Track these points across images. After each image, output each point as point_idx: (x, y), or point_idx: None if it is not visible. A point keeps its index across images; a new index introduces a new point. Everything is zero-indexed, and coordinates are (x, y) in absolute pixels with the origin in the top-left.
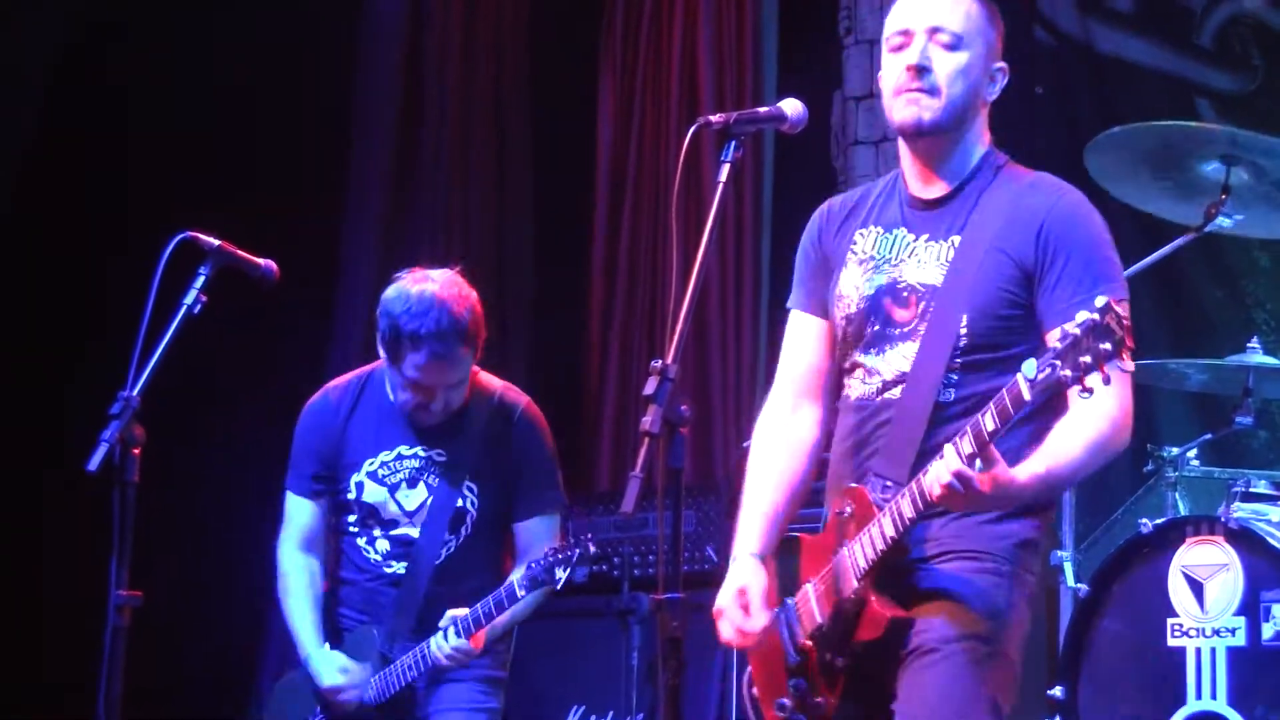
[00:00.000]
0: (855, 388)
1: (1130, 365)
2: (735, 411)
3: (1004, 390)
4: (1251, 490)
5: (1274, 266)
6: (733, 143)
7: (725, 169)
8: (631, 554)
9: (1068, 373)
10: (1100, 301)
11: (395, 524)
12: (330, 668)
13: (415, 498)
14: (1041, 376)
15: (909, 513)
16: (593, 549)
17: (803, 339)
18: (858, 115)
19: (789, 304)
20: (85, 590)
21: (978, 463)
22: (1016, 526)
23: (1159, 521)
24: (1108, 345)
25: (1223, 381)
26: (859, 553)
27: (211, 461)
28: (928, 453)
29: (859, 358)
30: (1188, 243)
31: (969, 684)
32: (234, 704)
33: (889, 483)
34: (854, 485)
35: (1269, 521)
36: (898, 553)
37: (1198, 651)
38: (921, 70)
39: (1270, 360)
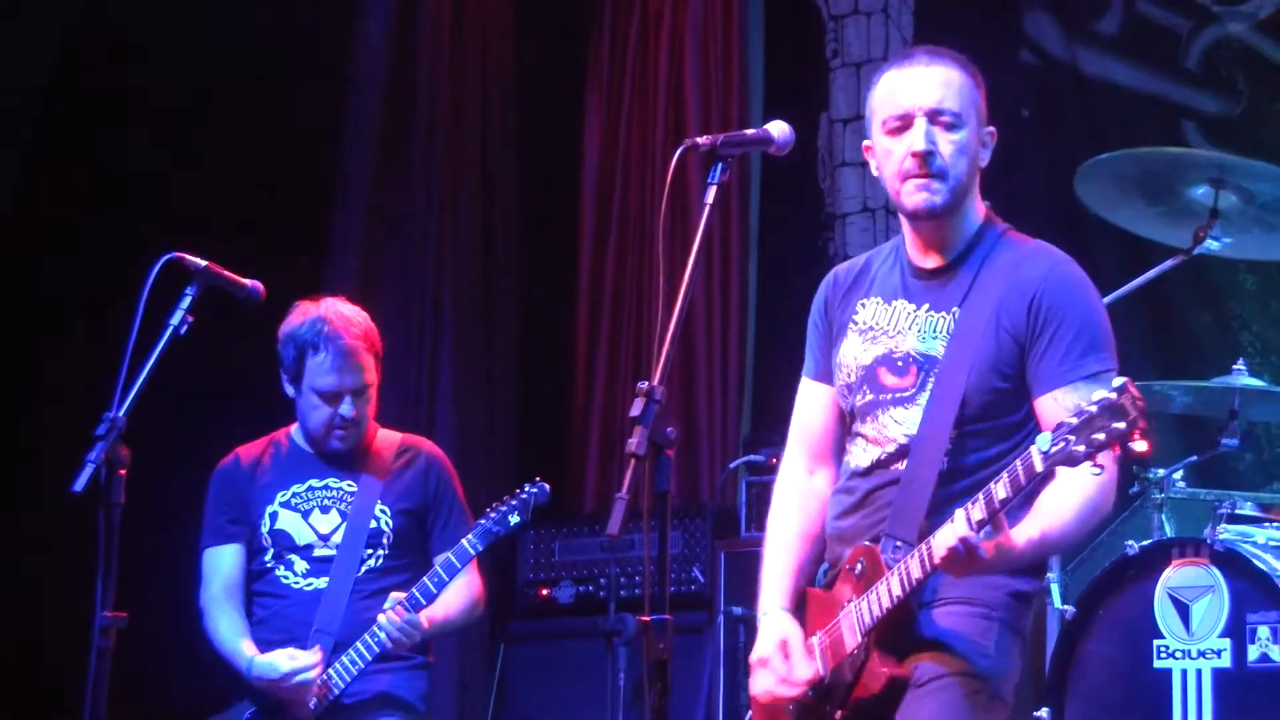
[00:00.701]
0: (856, 455)
1: (1143, 446)
2: (721, 434)
3: (1017, 461)
4: (1237, 512)
5: (1260, 289)
6: (719, 165)
7: (712, 191)
8: (618, 575)
9: (1081, 448)
10: (1118, 381)
11: (311, 548)
12: (280, 659)
13: (329, 522)
14: (1055, 450)
15: (916, 574)
16: (547, 487)
17: (812, 405)
18: (844, 138)
19: (803, 371)
20: (70, 612)
21: (985, 529)
22: (1008, 579)
23: (1145, 543)
24: (1122, 425)
25: (1209, 403)
26: (865, 609)
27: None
28: (933, 516)
29: (858, 427)
30: (1175, 265)
31: (964, 715)
32: None
33: (899, 543)
34: (867, 544)
35: (1254, 543)
36: (904, 611)
37: (1183, 673)
38: (929, 156)
39: (1256, 382)
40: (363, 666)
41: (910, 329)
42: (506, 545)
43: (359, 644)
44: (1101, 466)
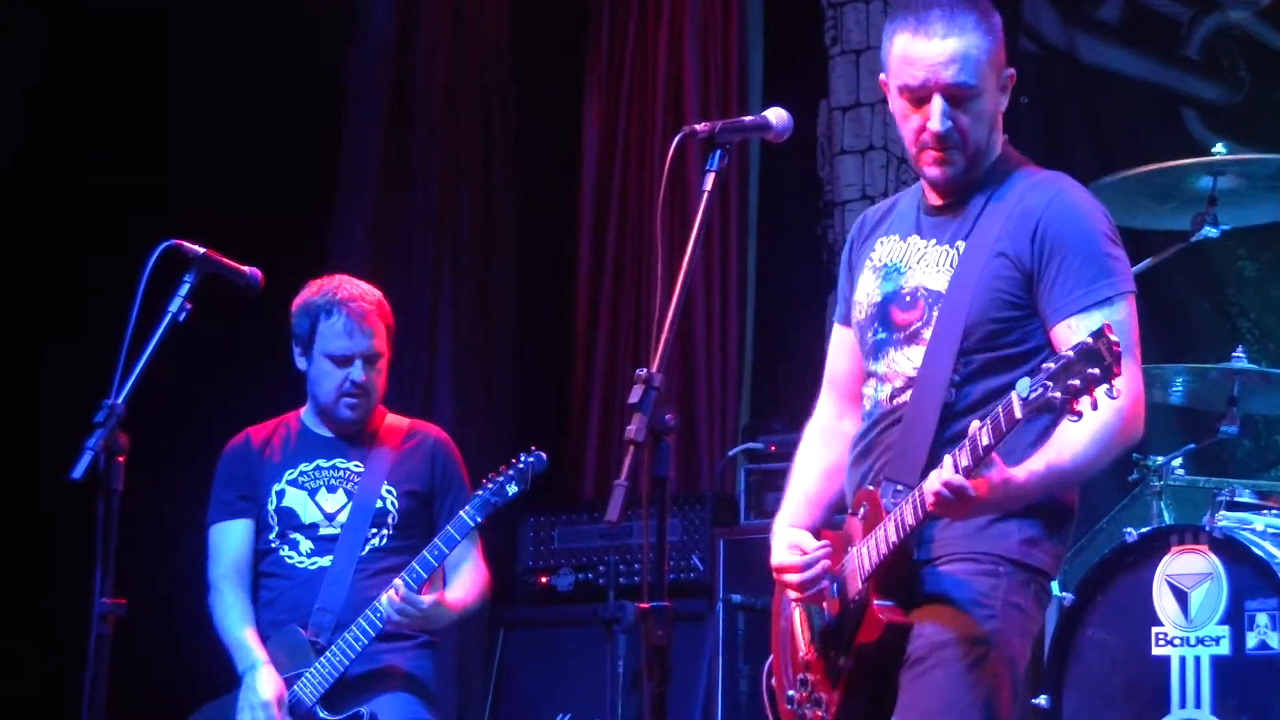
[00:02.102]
0: (868, 396)
1: (1122, 388)
2: (720, 420)
3: (999, 406)
4: (1236, 499)
5: (1259, 276)
6: (718, 152)
7: (710, 178)
8: (616, 562)
9: (1058, 395)
10: (1095, 325)
11: (316, 527)
12: (268, 687)
13: (335, 501)
14: (1033, 396)
15: (910, 520)
16: (544, 456)
17: (838, 349)
18: (843, 125)
19: (834, 316)
20: (69, 599)
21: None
22: (1015, 526)
23: (1144, 530)
24: (1096, 371)
25: (1207, 390)
26: (865, 555)
27: (195, 468)
28: (938, 455)
29: (870, 366)
30: (1173, 253)
31: (962, 691)
32: None
33: (900, 486)
34: (869, 488)
35: (1253, 530)
36: (902, 556)
37: (1182, 660)
38: (947, 135)
39: (1255, 369)
40: (365, 644)
41: (919, 264)
42: (505, 532)
43: (360, 621)
44: (1080, 414)
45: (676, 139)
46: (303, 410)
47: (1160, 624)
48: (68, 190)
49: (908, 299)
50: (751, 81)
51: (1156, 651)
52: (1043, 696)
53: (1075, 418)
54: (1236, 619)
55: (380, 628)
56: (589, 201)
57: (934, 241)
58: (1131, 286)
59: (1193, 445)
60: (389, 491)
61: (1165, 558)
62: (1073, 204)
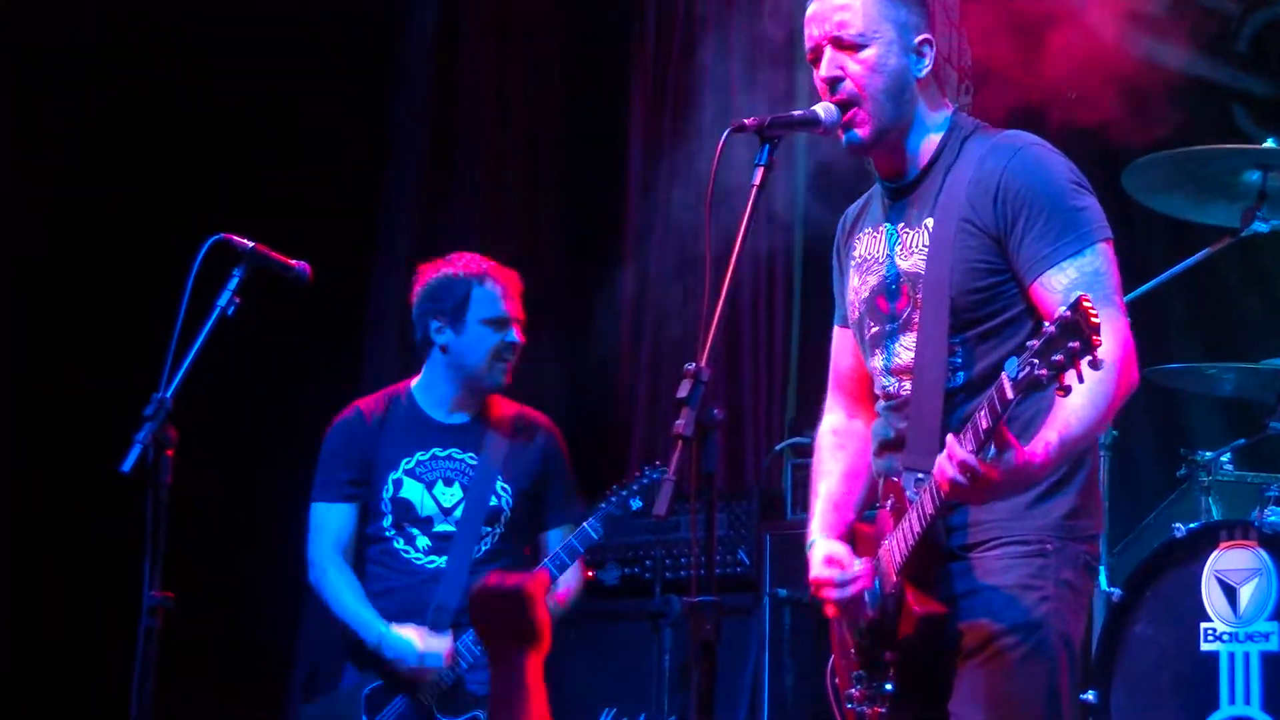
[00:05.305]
0: (878, 390)
1: (1108, 345)
2: (766, 415)
3: (993, 389)
4: None
5: None
6: (766, 146)
7: (759, 172)
8: (663, 557)
9: (1044, 372)
10: (1069, 279)
11: (432, 522)
12: (415, 637)
13: (451, 495)
14: (1021, 376)
15: (929, 508)
16: (671, 471)
17: (840, 350)
18: None
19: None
20: (118, 592)
21: (992, 453)
22: (1051, 504)
23: (1192, 526)
24: (1076, 344)
25: (1256, 386)
26: (895, 548)
27: (246, 462)
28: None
29: (872, 362)
30: (1222, 248)
31: (1023, 683)
32: (267, 705)
33: (920, 475)
34: (894, 479)
35: None
36: (933, 545)
37: (1230, 656)
38: (834, 82)
39: None
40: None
41: (896, 251)
42: None
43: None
44: (1069, 388)
45: (725, 133)
46: (413, 384)
47: (1209, 620)
48: (115, 186)
49: (893, 288)
50: (798, 75)
51: (1205, 647)
52: (1091, 692)
53: (1064, 392)
54: None
55: None
56: (635, 200)
57: (903, 225)
58: (1104, 233)
59: (1241, 440)
60: (504, 489)
61: (1214, 553)
62: (1034, 158)
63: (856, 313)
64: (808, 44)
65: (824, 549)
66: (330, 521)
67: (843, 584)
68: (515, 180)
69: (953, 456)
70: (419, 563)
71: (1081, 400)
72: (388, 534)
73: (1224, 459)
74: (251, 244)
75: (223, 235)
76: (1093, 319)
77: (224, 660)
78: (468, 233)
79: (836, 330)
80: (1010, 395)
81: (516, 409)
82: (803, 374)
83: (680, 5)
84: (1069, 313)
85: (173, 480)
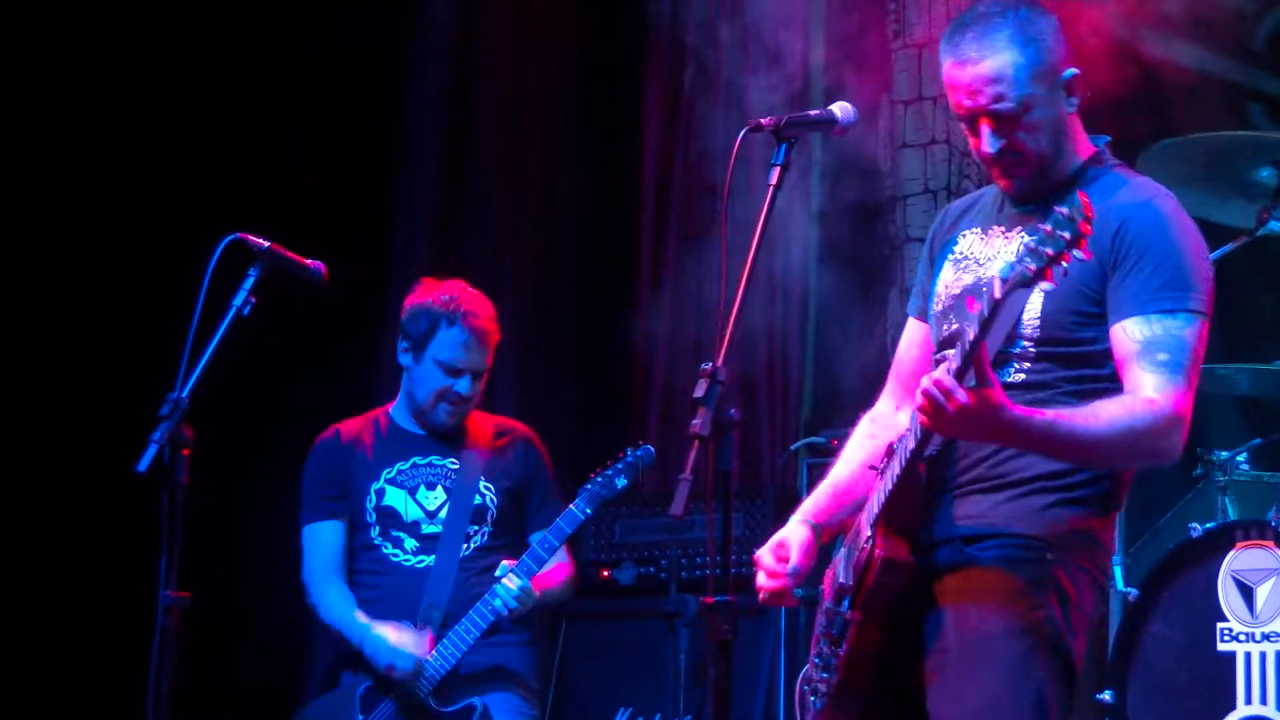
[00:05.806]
0: None
1: (1162, 400)
2: (782, 415)
3: (983, 288)
4: None
5: None
6: (783, 146)
7: (775, 172)
8: (679, 556)
9: (1031, 265)
10: (1151, 333)
11: (418, 525)
12: (389, 633)
13: (435, 498)
14: (1013, 275)
15: (910, 444)
16: (652, 450)
17: (909, 342)
18: (906, 119)
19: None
20: (134, 592)
21: (969, 379)
22: (1064, 513)
23: (1208, 526)
24: (1066, 235)
25: (1272, 386)
26: (874, 501)
27: (260, 463)
28: None
29: (943, 354)
30: (1237, 248)
31: (1010, 688)
32: (283, 704)
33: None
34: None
35: None
36: (913, 485)
37: (1247, 656)
38: (1000, 155)
39: None
40: (476, 636)
41: (999, 257)
42: None
43: (472, 614)
44: (1055, 282)
45: (742, 133)
46: (392, 406)
47: (1225, 620)
48: (132, 186)
49: (984, 291)
50: (813, 76)
51: (1222, 647)
52: (1107, 692)
53: (1050, 286)
54: None
55: (493, 620)
56: (650, 199)
57: (1017, 232)
58: (1205, 309)
59: (1258, 440)
60: (487, 488)
61: (1230, 553)
62: (1168, 210)
63: (941, 305)
64: (955, 108)
65: (784, 533)
66: (321, 539)
67: (772, 575)
68: (530, 184)
69: (938, 374)
70: (408, 564)
71: (1104, 412)
72: (375, 541)
73: (1240, 459)
74: (267, 243)
75: (238, 235)
76: (1089, 214)
77: (240, 660)
78: (484, 234)
79: (910, 321)
80: (998, 294)
81: (495, 420)
82: (818, 374)
83: (694, 6)
84: (1065, 209)
85: (189, 480)
